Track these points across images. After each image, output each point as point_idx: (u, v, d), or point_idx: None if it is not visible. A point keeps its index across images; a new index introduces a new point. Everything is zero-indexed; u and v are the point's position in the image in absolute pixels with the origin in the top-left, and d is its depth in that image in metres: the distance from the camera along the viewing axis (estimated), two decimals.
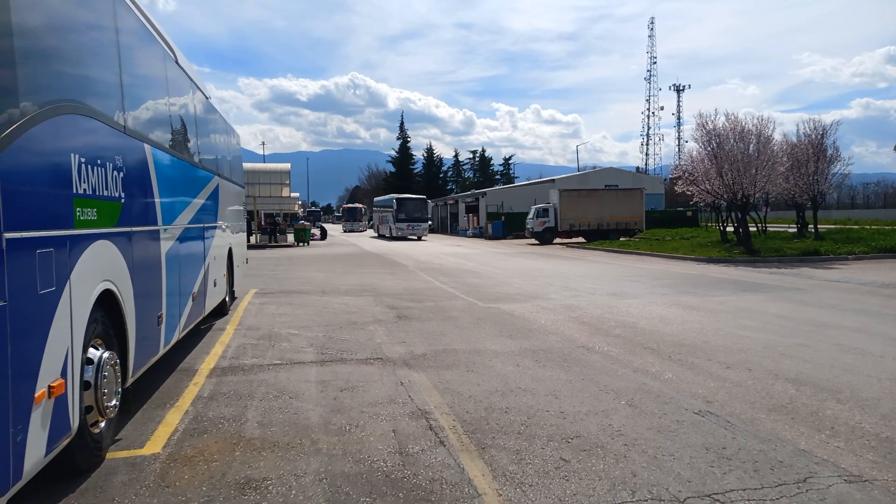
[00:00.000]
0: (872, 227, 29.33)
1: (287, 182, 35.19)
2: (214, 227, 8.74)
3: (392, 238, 43.62)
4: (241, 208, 12.78)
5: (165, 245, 5.85)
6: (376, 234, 52.08)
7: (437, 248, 30.34)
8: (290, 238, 35.97)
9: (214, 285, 8.56)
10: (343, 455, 4.13)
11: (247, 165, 27.78)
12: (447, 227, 63.75)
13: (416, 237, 43.16)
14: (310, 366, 6.56)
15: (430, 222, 47.60)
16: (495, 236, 42.86)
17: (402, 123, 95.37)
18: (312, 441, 4.39)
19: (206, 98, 8.96)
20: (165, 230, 5.87)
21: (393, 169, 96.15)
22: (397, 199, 45.15)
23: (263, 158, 71.05)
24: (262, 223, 37.00)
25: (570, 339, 7.86)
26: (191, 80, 7.75)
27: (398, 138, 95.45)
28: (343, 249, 30.05)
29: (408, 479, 3.75)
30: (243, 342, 7.83)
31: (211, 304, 8.43)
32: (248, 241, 26.82)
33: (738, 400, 5.27)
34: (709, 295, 12.01)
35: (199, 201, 7.71)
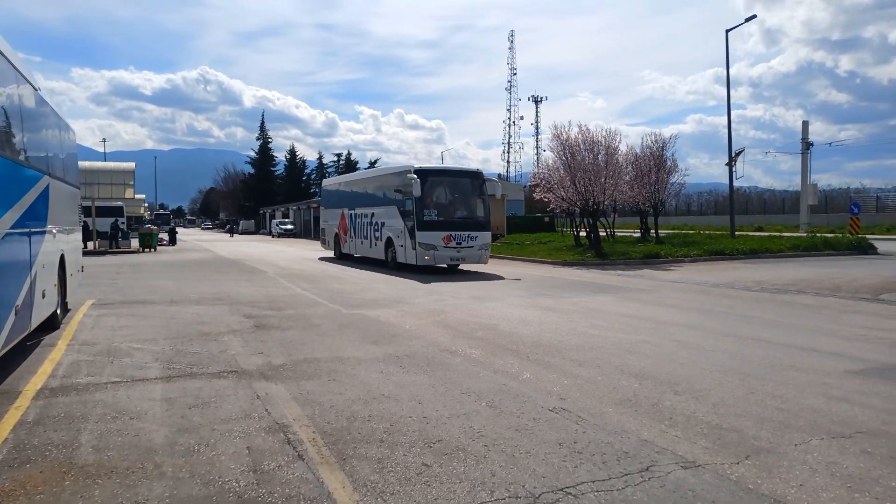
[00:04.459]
0: (705, 231, 32.49)
1: (131, 183, 32.64)
2: (43, 232, 7.84)
3: (396, 269, 18.49)
4: (77, 211, 11.61)
5: None
6: (332, 252, 25.27)
7: (299, 254, 29.49)
8: (135, 243, 33.29)
9: (43, 296, 7.67)
10: (190, 477, 3.83)
11: (84, 164, 25.39)
12: (311, 231, 62.34)
13: (473, 260, 18.02)
14: (154, 382, 6.06)
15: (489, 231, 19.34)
16: None
17: (262, 123, 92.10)
18: (156, 464, 4.03)
19: (36, 90, 8.04)
20: None
21: (252, 170, 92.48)
22: (420, 173, 17.59)
23: (104, 157, 65.18)
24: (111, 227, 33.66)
25: (434, 343, 7.92)
26: (15, 69, 6.90)
27: (258, 138, 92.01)
28: (196, 255, 28.32)
29: (262, 499, 3.55)
30: (77, 359, 7.08)
31: (39, 317, 7.54)
32: (85, 246, 24.49)
33: (589, 396, 5.56)
34: (564, 296, 12.66)
35: (24, 203, 6.88)
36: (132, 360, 7.02)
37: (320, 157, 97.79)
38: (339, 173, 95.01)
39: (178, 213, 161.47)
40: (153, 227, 35.46)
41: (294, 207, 70.83)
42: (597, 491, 3.63)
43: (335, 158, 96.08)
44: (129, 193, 33.16)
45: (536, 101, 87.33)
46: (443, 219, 17.73)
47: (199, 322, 9.52)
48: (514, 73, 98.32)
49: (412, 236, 17.50)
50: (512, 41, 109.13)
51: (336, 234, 24.71)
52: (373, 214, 20.75)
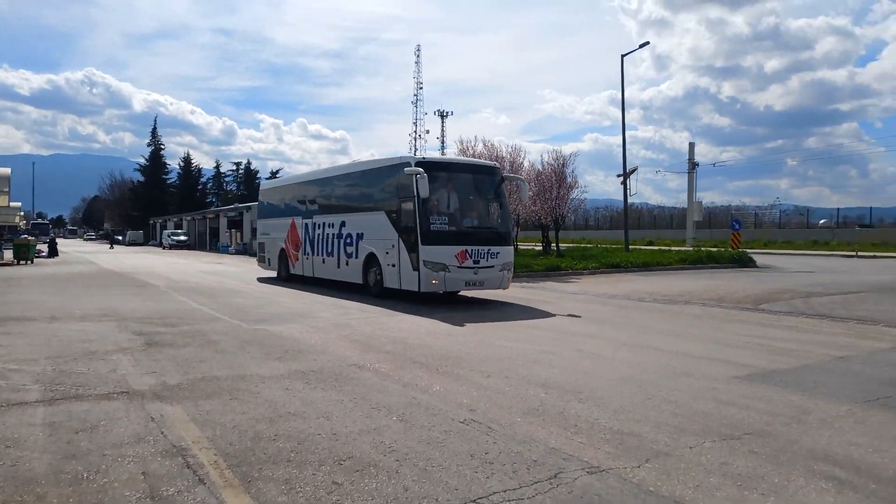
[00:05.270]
0: (602, 245, 34.05)
1: (5, 189, 30.05)
2: None
3: (380, 296, 14.21)
4: None
5: None
6: (275, 272, 20.61)
7: (193, 267, 28.16)
8: (9, 255, 30.56)
9: None
10: None
11: None
12: (206, 243, 59.76)
13: (493, 284, 13.58)
14: (35, 406, 5.55)
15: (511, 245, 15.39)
16: None
17: (154, 128, 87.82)
18: (38, 496, 3.68)
19: None
20: None
21: (142, 178, 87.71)
22: (426, 167, 12.90)
23: None
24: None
25: (342, 357, 7.77)
26: None
27: (149, 144, 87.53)
28: (79, 268, 26.39)
29: None
30: None
31: None
32: None
33: (498, 406, 5.63)
34: (471, 309, 12.81)
35: None
36: (8, 382, 6.40)
37: (217, 166, 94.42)
38: (239, 183, 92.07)
39: (59, 222, 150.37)
40: (30, 237, 32.66)
41: (188, 218, 67.81)
42: (509, 500, 3.68)
43: (234, 167, 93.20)
44: (2, 201, 30.47)
45: (442, 115, 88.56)
46: (454, 228, 13.27)
47: (85, 340, 8.85)
48: (421, 87, 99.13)
49: (412, 251, 12.91)
50: (418, 55, 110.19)
51: (282, 249, 19.71)
52: (343, 224, 16.06)
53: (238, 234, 50.01)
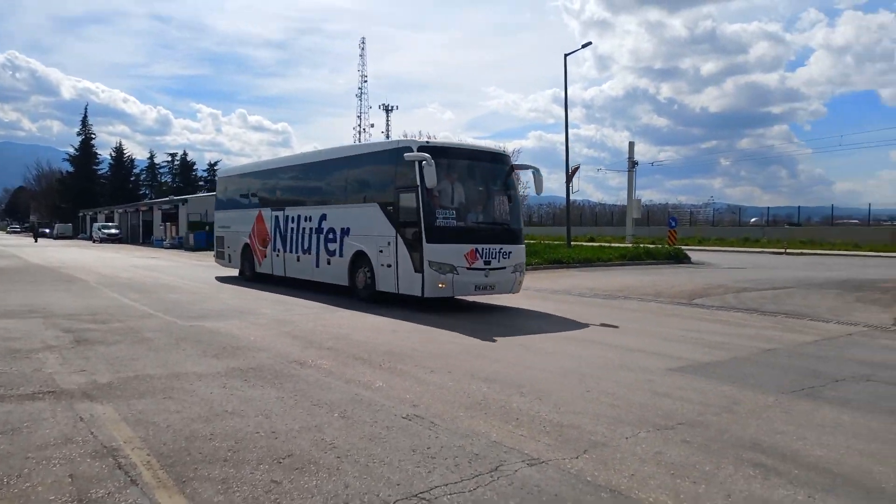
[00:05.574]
0: (545, 241, 34.52)
1: None
2: None
3: (372, 300, 12.62)
4: None
5: None
6: (237, 270, 18.73)
7: (126, 261, 27.12)
8: None
9: None
10: None
11: None
12: (139, 236, 57.67)
13: (505, 288, 12.14)
14: None
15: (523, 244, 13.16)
16: (198, 247, 39.92)
17: (85, 117, 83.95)
18: None
19: None
20: None
21: (71, 168, 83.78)
22: (432, 153, 11.23)
23: None
24: None
25: (282, 354, 7.62)
26: None
27: (79, 133, 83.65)
28: (2, 262, 25.03)
29: None
30: None
31: None
32: None
33: (441, 401, 5.65)
34: (417, 306, 12.78)
35: None
36: None
37: (152, 157, 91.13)
38: (174, 175, 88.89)
39: None
40: None
41: (120, 210, 65.35)
42: (450, 494, 3.69)
43: (169, 158, 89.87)
44: None
45: (387, 109, 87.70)
46: (463, 224, 11.73)
47: (8, 338, 8.39)
48: (365, 81, 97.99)
49: (415, 250, 11.34)
50: (363, 48, 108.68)
51: (246, 244, 17.76)
52: (323, 217, 14.23)
53: (173, 227, 48.41)
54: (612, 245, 34.30)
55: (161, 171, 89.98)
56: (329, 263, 13.99)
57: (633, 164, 47.64)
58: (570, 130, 33.10)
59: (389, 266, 12.00)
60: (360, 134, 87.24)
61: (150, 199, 74.73)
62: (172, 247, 43.97)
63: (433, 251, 11.12)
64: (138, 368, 6.76)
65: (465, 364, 7.17)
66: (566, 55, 31.40)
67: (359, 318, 10.71)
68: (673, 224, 35.59)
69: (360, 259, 12.96)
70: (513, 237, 12.27)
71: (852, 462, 4.31)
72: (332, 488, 3.74)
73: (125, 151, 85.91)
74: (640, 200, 49.22)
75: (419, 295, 11.33)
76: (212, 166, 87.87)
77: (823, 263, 27.13)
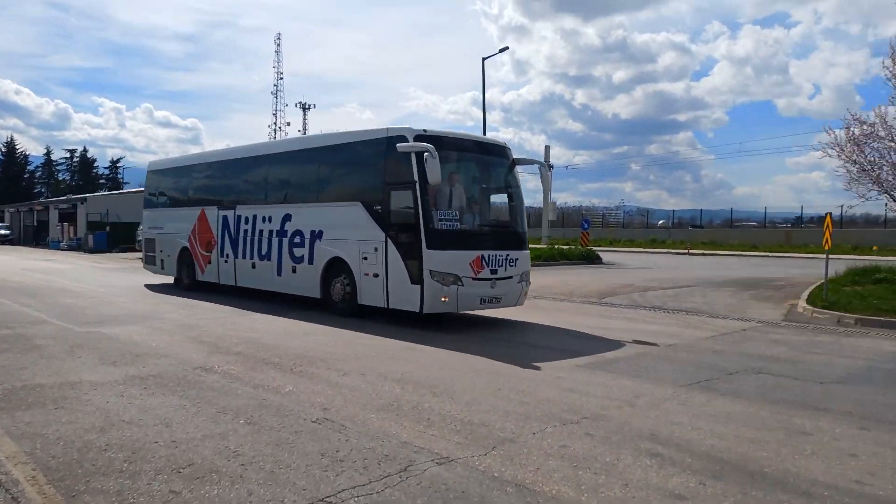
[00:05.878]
0: None
1: None
2: None
3: (353, 315, 10.85)
4: None
5: None
6: (171, 277, 16.23)
7: (16, 264, 25.26)
8: None
9: None
10: None
11: None
12: (34, 237, 53.87)
13: (510, 300, 10.60)
14: None
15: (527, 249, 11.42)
16: (98, 249, 37.67)
17: None
18: None
19: None
20: None
21: None
22: (433, 143, 9.38)
23: None
24: None
25: (186, 360, 7.32)
26: None
27: None
28: None
29: None
30: None
31: None
32: None
33: (353, 404, 5.59)
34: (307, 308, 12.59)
35: None
36: None
37: (48, 153, 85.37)
38: (73, 172, 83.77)
39: None
40: None
41: (11, 209, 60.82)
42: (357, 496, 3.66)
43: (67, 155, 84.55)
44: None
45: (304, 107, 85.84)
46: (466, 227, 10.20)
47: None
48: (281, 78, 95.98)
49: (411, 258, 9.66)
50: (279, 44, 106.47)
51: (184, 248, 15.35)
52: (287, 217, 12.25)
53: (71, 228, 45.46)
54: (529, 246, 35.08)
55: (58, 168, 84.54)
56: (294, 272, 12.06)
57: (549, 167, 48.77)
58: (488, 133, 33.64)
59: (377, 276, 10.23)
60: (275, 132, 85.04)
61: (46, 197, 69.98)
62: (70, 248, 41.30)
63: (435, 259, 9.45)
64: (27, 378, 6.31)
65: (379, 365, 7.13)
66: (484, 59, 31.89)
67: (270, 322, 10.40)
68: (586, 226, 36.82)
69: (335, 267, 11.16)
70: (518, 242, 10.91)
71: (741, 449, 4.59)
72: (234, 496, 3.63)
73: (18, 147, 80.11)
74: (555, 203, 50.48)
75: (416, 310, 9.69)
76: (114, 163, 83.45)
77: (723, 263, 28.85)
